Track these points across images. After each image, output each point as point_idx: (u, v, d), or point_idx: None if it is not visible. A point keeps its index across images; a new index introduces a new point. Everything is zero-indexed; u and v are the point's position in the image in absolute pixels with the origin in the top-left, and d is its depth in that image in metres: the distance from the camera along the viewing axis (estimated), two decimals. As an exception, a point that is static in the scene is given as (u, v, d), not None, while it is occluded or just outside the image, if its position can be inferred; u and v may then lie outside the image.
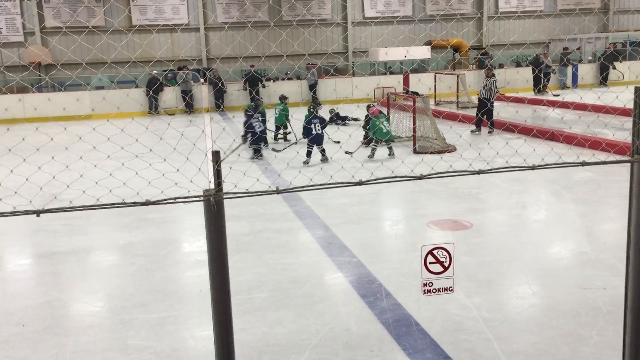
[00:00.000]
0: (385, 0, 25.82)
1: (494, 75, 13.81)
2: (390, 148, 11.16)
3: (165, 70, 22.23)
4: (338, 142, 12.06)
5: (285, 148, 12.07)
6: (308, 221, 7.36)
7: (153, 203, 2.00)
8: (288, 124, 13.66)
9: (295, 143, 12.31)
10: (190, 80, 20.92)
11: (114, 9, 23.38)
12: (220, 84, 20.40)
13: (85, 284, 5.72)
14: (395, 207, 8.30)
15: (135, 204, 1.95)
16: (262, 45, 22.76)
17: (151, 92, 19.86)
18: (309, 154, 10.66)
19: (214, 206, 1.88)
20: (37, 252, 6.73)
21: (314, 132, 10.63)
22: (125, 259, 6.37)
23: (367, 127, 11.99)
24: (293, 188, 2.18)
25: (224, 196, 1.89)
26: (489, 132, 13.26)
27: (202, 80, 21.21)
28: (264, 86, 21.01)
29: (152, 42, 23.90)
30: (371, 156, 10.80)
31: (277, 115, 13.65)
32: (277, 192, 2.11)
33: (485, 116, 13.37)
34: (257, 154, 11.66)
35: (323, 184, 2.22)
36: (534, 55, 22.83)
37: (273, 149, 12.03)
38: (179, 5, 24.03)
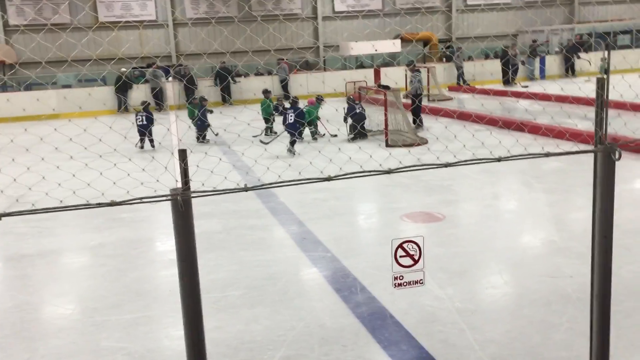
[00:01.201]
0: (354, -6, 25.85)
1: (418, 70, 13.80)
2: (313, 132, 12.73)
3: (134, 68, 21.91)
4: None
5: (271, 140, 12.05)
6: (282, 217, 7.35)
7: (118, 204, 1.97)
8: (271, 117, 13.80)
9: (277, 135, 12.39)
10: (160, 77, 20.67)
11: (80, 6, 22.94)
12: (185, 81, 20.21)
13: (56, 287, 5.62)
14: (369, 201, 8.34)
15: (100, 204, 1.92)
16: (231, 41, 22.60)
17: (120, 90, 19.58)
18: (292, 143, 11.30)
19: (181, 205, 1.86)
20: (4, 255, 6.59)
21: (289, 120, 11.39)
22: (96, 260, 6.28)
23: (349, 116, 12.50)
24: (262, 185, 2.17)
25: (192, 195, 1.87)
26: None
27: (168, 77, 20.97)
28: (234, 82, 20.87)
29: (119, 39, 23.54)
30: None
31: (262, 109, 13.99)
32: (246, 189, 2.10)
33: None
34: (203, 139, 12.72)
35: (292, 181, 2.22)
36: (502, 47, 23.11)
37: (261, 141, 11.98)
38: (146, 1, 23.71)
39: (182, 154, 1.89)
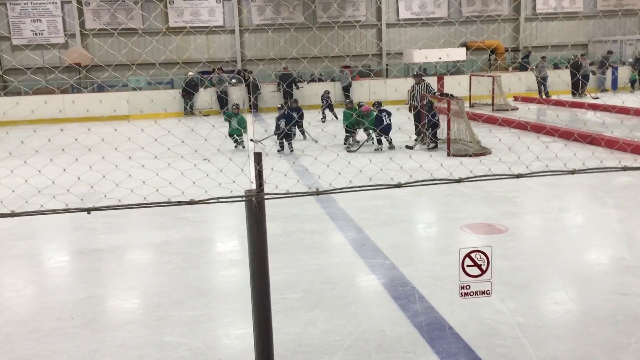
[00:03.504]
0: (420, 1, 25.66)
1: (423, 80, 13.13)
2: (379, 141, 12.47)
3: (200, 72, 22.53)
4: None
5: (359, 147, 12.42)
6: (341, 223, 7.38)
7: (198, 202, 2.05)
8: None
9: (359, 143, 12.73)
10: (226, 81, 21.16)
11: (152, 11, 23.78)
12: (246, 84, 20.65)
13: (123, 281, 5.84)
14: (429, 210, 8.25)
15: (180, 203, 2.00)
16: (295, 46, 22.88)
17: (186, 93, 20.21)
18: (379, 142, 12.21)
19: (255, 206, 1.91)
20: (76, 248, 6.90)
21: (385, 122, 11.90)
22: (161, 257, 6.48)
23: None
24: (333, 190, 2.20)
25: (265, 197, 1.93)
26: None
27: (233, 81, 21.42)
28: (297, 87, 21.12)
29: (188, 44, 24.24)
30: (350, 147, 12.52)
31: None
32: (317, 193, 2.13)
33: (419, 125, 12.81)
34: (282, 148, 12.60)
35: (362, 186, 2.24)
36: (573, 57, 22.39)
37: (349, 149, 12.41)
38: (214, 7, 24.32)
39: (258, 157, 1.94)
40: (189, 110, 20.43)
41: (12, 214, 2.07)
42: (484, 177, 2.33)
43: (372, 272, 5.70)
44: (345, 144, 12.67)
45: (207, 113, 20.59)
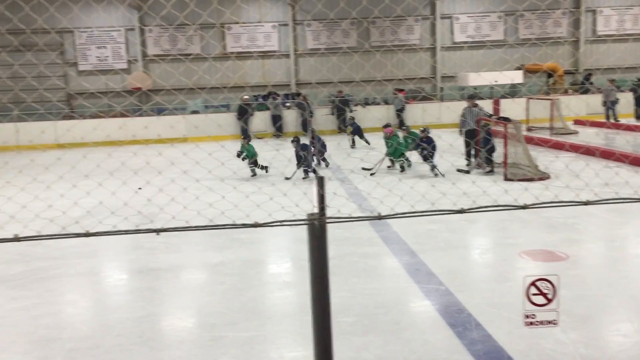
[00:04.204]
0: (476, 24, 25.47)
1: (476, 105, 12.81)
2: (402, 165, 12.69)
3: (256, 95, 22.97)
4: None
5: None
6: (395, 247, 7.32)
7: (262, 225, 2.08)
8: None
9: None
10: (280, 105, 21.50)
11: (210, 37, 24.49)
12: (299, 107, 20.92)
13: (179, 300, 5.95)
14: (485, 235, 8.08)
15: (245, 225, 2.04)
16: (349, 70, 23.07)
17: (241, 117, 20.64)
18: (433, 167, 11.88)
19: (318, 230, 1.93)
20: (135, 267, 7.08)
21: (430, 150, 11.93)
22: (216, 278, 6.57)
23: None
24: (395, 214, 2.20)
25: (328, 220, 1.94)
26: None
27: (287, 106, 21.72)
28: (351, 111, 21.24)
29: (243, 68, 24.79)
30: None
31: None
32: (379, 217, 2.13)
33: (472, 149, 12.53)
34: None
35: (425, 211, 2.23)
36: (635, 80, 21.65)
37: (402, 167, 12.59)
38: (270, 32, 24.84)
39: (320, 181, 1.97)
40: (246, 132, 20.82)
41: (87, 234, 2.16)
42: (550, 204, 2.28)
43: (427, 297, 5.62)
44: (394, 167, 12.77)
45: (262, 135, 20.93)
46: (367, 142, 16.82)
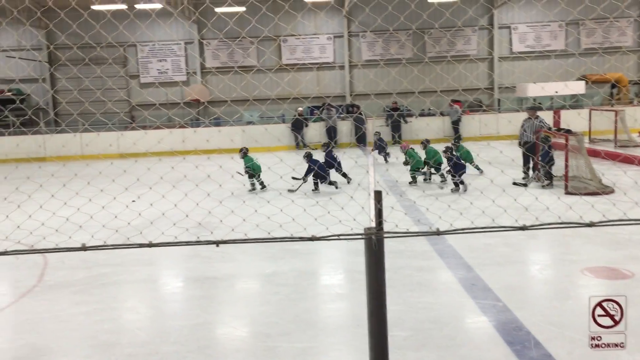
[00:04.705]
0: (535, 34, 24.89)
1: (537, 116, 12.37)
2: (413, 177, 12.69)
3: (310, 106, 23.15)
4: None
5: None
6: (450, 260, 7.19)
7: (319, 239, 2.09)
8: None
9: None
10: (334, 116, 21.60)
11: (267, 49, 24.88)
12: (353, 118, 20.90)
13: (234, 309, 6.03)
14: (545, 251, 7.84)
15: (302, 239, 2.06)
16: (404, 81, 22.95)
17: (295, 128, 20.89)
18: (456, 184, 11.55)
19: (375, 244, 1.92)
20: (192, 276, 7.22)
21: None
22: (270, 288, 6.62)
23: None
24: (454, 230, 2.16)
25: (385, 235, 1.93)
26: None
27: (341, 116, 21.77)
28: (406, 122, 21.10)
29: (299, 80, 25.05)
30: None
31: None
32: (438, 233, 2.11)
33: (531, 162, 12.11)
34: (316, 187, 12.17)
35: (485, 227, 2.18)
36: None
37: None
38: (325, 44, 25.02)
39: (378, 195, 1.96)
40: (301, 143, 20.99)
41: (150, 245, 2.22)
42: (619, 222, 2.19)
43: (484, 313, 5.48)
44: (414, 183, 12.64)
45: (316, 147, 21.03)
46: (386, 158, 16.22)
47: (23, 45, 24.03)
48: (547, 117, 18.98)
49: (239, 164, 12.06)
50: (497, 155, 14.04)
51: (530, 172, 12.31)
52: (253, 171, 12.12)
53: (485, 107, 24.10)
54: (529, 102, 21.95)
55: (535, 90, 20.10)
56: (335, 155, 13.02)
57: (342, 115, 22.09)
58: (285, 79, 24.45)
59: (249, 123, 22.47)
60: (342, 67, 25.00)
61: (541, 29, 24.92)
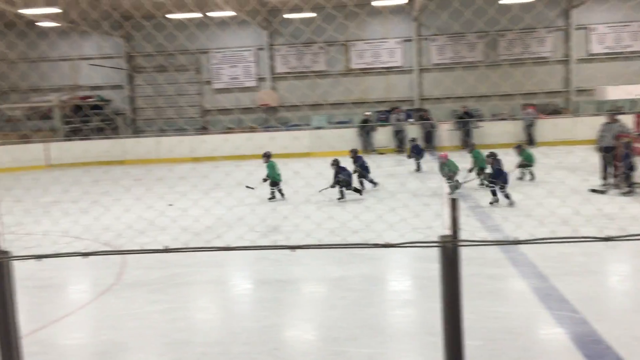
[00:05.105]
0: (615, 35, 23.78)
1: (618, 120, 11.78)
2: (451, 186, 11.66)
3: (379, 111, 23.06)
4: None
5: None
6: (523, 269, 6.96)
7: (393, 246, 2.07)
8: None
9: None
10: (403, 120, 21.42)
11: (335, 54, 24.99)
12: (422, 123, 20.68)
13: (302, 312, 6.07)
14: (626, 261, 7.45)
15: (376, 245, 2.05)
16: (475, 84, 22.44)
17: (363, 132, 20.88)
18: (494, 193, 10.76)
19: (450, 253, 1.89)
20: (261, 278, 7.33)
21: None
22: (337, 292, 6.62)
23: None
24: (534, 240, 2.09)
25: (461, 244, 1.89)
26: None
27: (410, 121, 21.56)
28: (476, 126, 20.65)
29: (367, 84, 24.99)
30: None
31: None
32: (517, 242, 2.04)
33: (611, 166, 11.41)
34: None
35: (566, 238, 2.10)
36: None
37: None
38: (394, 48, 24.86)
39: (454, 203, 1.92)
40: (368, 148, 20.94)
41: (228, 248, 2.27)
42: None
43: (559, 324, 5.28)
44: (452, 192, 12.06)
45: (384, 151, 20.93)
46: (419, 166, 15.61)
47: (104, 54, 25.22)
48: (628, 120, 18.10)
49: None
50: (574, 161, 13.52)
51: (610, 179, 11.77)
52: (274, 179, 11.84)
53: (561, 110, 23.23)
54: (607, 104, 21.00)
55: (614, 92, 19.22)
56: (364, 162, 12.90)
57: (410, 121, 21.88)
58: (352, 83, 24.46)
59: (318, 128, 22.64)
60: (410, 71, 24.75)
61: (622, 29, 23.79)
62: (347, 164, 12.36)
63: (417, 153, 15.73)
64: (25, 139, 21.18)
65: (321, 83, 24.18)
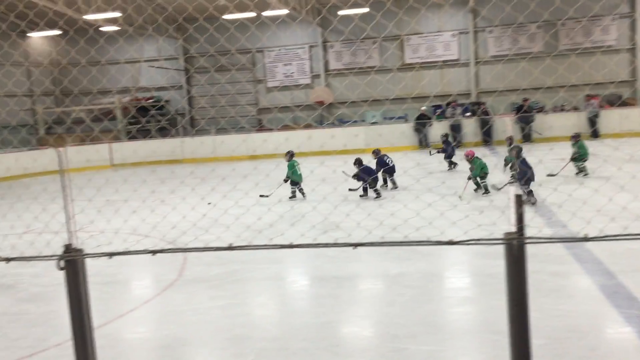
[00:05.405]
0: (687, 18, 22.59)
1: None
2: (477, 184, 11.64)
3: (434, 106, 22.75)
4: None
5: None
6: (588, 265, 6.73)
7: (456, 243, 2.06)
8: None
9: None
10: (459, 115, 21.05)
11: (389, 49, 24.80)
12: (478, 116, 20.25)
13: (359, 309, 6.08)
14: (700, 258, 7.09)
15: (439, 243, 2.03)
16: (536, 77, 21.79)
17: (419, 127, 20.65)
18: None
19: (516, 250, 1.85)
20: (318, 275, 7.37)
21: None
22: (395, 289, 6.59)
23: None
24: (604, 237, 2.02)
25: (527, 241, 1.85)
26: None
27: (466, 114, 21.15)
28: (533, 120, 20.07)
29: (422, 79, 24.69)
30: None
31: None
32: (586, 239, 1.98)
33: None
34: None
35: (636, 234, 2.02)
36: None
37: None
38: (450, 41, 24.45)
39: (518, 199, 1.88)
40: (424, 143, 20.70)
41: (291, 246, 2.31)
42: None
43: (629, 324, 5.08)
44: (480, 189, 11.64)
45: (439, 146, 20.62)
46: (451, 164, 15.12)
47: (161, 56, 25.90)
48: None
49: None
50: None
51: None
52: (295, 178, 11.79)
53: (627, 100, 22.27)
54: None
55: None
56: (386, 160, 12.56)
57: (467, 115, 21.48)
58: (408, 78, 24.22)
59: (373, 123, 22.55)
60: (466, 64, 24.28)
61: (693, 13, 22.58)
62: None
63: (444, 150, 15.20)
64: (94, 140, 22.02)
65: (376, 78, 24.06)
